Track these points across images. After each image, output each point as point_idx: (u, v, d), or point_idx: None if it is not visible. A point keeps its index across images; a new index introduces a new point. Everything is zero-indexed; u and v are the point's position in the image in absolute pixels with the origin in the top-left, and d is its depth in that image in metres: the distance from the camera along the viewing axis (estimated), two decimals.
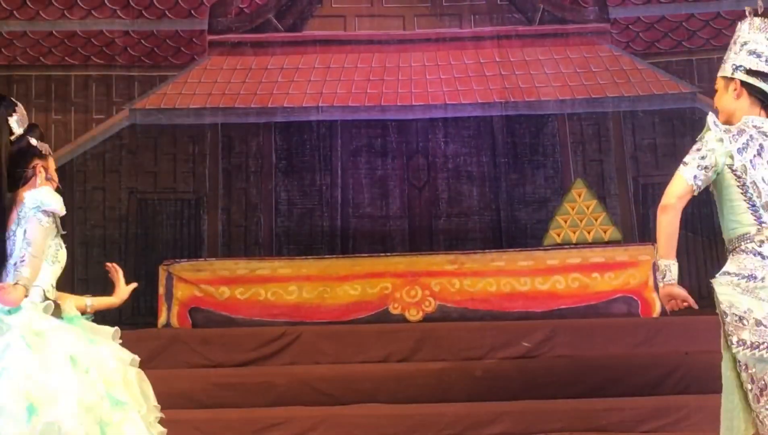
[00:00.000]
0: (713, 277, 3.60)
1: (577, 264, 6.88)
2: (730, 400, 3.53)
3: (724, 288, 3.48)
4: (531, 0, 8.37)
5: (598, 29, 8.29)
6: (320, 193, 8.11)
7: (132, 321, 5.95)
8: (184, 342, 6.39)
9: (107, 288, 4.07)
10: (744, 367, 3.44)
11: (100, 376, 3.31)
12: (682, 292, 3.57)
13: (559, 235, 7.26)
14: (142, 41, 8.23)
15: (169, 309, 6.79)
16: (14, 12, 8.14)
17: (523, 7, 8.38)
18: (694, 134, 3.73)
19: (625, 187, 8.05)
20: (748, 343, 3.39)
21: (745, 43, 3.64)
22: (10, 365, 3.21)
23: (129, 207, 7.99)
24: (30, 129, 3.66)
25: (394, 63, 8.27)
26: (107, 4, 8.20)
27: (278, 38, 8.35)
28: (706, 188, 3.61)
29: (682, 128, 7.90)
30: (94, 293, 3.95)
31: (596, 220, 7.28)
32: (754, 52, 3.62)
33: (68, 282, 3.88)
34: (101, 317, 3.80)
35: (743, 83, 3.62)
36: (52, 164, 3.71)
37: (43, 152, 3.65)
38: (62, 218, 3.64)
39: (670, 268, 3.53)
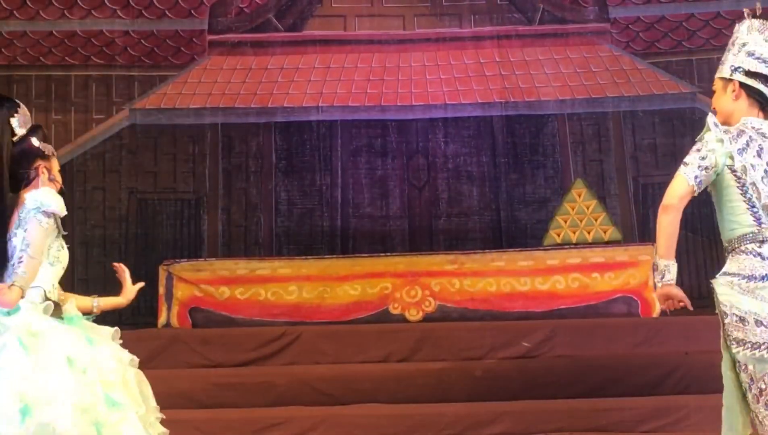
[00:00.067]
0: (713, 277, 3.60)
1: (577, 264, 6.88)
2: (729, 399, 3.53)
3: (725, 288, 3.48)
4: (531, 0, 8.37)
5: (598, 29, 8.29)
6: (320, 193, 8.11)
7: (132, 321, 5.95)
8: (184, 342, 6.38)
9: (107, 288, 4.07)
10: (743, 368, 3.44)
11: (97, 377, 3.31)
12: (679, 292, 3.57)
13: (559, 235, 7.26)
14: (142, 41, 8.24)
15: (169, 309, 6.79)
16: (14, 12, 8.14)
17: (523, 7, 8.38)
18: (694, 134, 3.73)
19: (625, 187, 8.05)
20: (749, 343, 3.39)
21: (744, 45, 3.64)
22: (4, 366, 3.21)
23: (129, 207, 8.00)
24: (33, 130, 3.66)
25: (394, 63, 8.27)
26: (107, 3, 8.20)
27: (278, 38, 8.35)
28: (705, 188, 3.61)
29: (682, 128, 7.90)
30: (94, 293, 3.96)
31: (596, 220, 7.28)
32: (753, 54, 3.62)
33: (68, 282, 3.87)
34: (101, 317, 3.80)
35: (742, 84, 3.62)
36: (55, 165, 3.71)
37: (46, 153, 3.65)
38: (62, 218, 3.64)
39: (670, 268, 3.53)
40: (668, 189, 3.54)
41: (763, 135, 3.54)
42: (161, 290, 6.85)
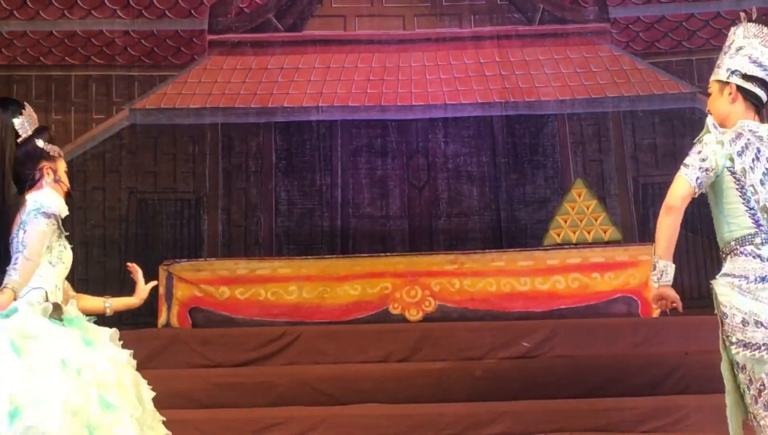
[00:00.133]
0: (713, 277, 3.62)
1: (577, 264, 6.89)
2: (728, 400, 3.55)
3: (725, 289, 3.50)
4: (531, 0, 8.37)
5: (598, 29, 8.29)
6: (320, 193, 8.11)
7: (132, 321, 5.95)
8: (184, 342, 6.38)
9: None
10: (742, 369, 3.45)
11: (93, 379, 3.31)
12: (674, 294, 3.59)
13: (559, 235, 7.26)
14: (142, 41, 8.23)
15: (169, 309, 6.79)
16: (14, 12, 8.14)
17: (523, 7, 8.38)
18: (694, 134, 3.75)
19: (625, 187, 8.05)
20: (748, 344, 3.40)
21: (741, 48, 3.66)
22: None
23: (129, 207, 7.99)
24: (38, 131, 3.67)
25: (394, 63, 8.27)
26: (107, 3, 8.20)
27: (278, 38, 8.35)
28: None
29: (682, 128, 7.90)
30: (94, 293, 3.96)
31: (596, 220, 7.28)
32: (750, 57, 3.63)
33: (69, 282, 3.88)
34: (101, 317, 3.81)
35: (739, 88, 3.64)
36: (61, 166, 3.71)
37: (51, 154, 3.66)
38: (63, 218, 3.65)
39: (668, 269, 3.55)
40: (670, 190, 3.55)
41: (760, 138, 3.55)
42: (161, 290, 6.85)
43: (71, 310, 3.59)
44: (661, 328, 6.25)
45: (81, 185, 7.87)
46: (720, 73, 3.68)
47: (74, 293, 3.81)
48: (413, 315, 6.80)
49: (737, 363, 3.46)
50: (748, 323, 3.42)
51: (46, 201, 3.55)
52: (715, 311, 3.55)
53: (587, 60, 8.22)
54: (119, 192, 8.00)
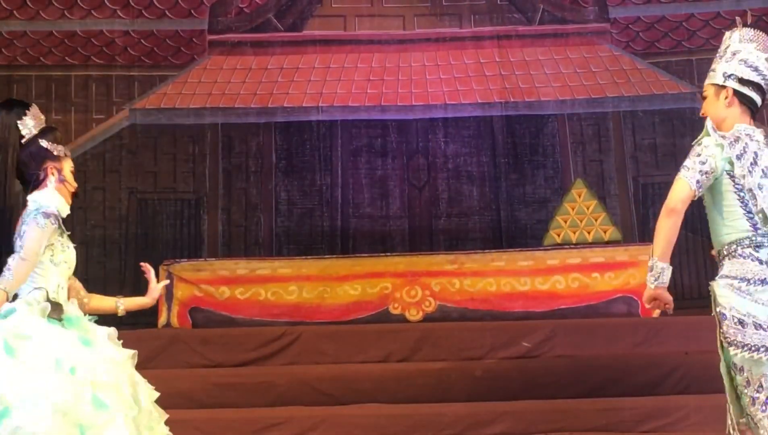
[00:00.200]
0: (713, 277, 3.64)
1: (577, 264, 6.89)
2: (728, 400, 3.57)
3: (725, 290, 3.51)
4: (531, 0, 8.37)
5: (598, 29, 8.29)
6: (320, 193, 8.11)
7: (132, 321, 5.95)
8: (184, 342, 6.39)
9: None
10: (740, 370, 3.47)
11: (87, 378, 3.31)
12: (668, 296, 3.64)
13: (559, 235, 7.26)
14: (142, 41, 8.23)
15: (169, 309, 6.79)
16: (14, 12, 8.14)
17: (523, 7, 8.38)
18: (694, 134, 3.76)
19: (625, 187, 8.04)
20: (746, 345, 3.43)
21: (736, 52, 3.69)
22: None
23: (129, 207, 7.99)
24: (43, 131, 3.68)
25: (394, 63, 8.27)
26: (107, 3, 8.20)
27: (278, 38, 8.34)
28: None
29: (682, 128, 7.89)
30: (94, 293, 3.96)
31: (596, 220, 7.28)
32: (746, 62, 3.67)
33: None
34: (101, 317, 3.81)
35: (735, 92, 3.65)
36: (67, 166, 3.72)
37: (55, 153, 3.67)
38: (64, 218, 3.66)
39: (665, 271, 3.57)
40: (671, 193, 3.57)
41: (757, 142, 3.58)
42: (162, 291, 6.83)
43: (72, 309, 3.60)
44: (661, 328, 6.25)
45: (81, 185, 7.75)
46: (716, 77, 3.71)
47: (86, 293, 3.82)
48: (413, 315, 6.80)
49: (735, 364, 3.48)
50: (746, 325, 3.44)
51: (45, 201, 3.56)
52: (714, 312, 3.57)
53: (587, 60, 8.22)
54: (119, 192, 8.00)
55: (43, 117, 3.75)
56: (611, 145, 8.15)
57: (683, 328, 6.08)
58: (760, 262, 3.50)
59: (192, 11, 8.29)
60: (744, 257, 3.52)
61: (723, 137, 3.56)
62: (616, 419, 5.49)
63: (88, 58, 8.20)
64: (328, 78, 8.21)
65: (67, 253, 3.63)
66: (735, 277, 3.51)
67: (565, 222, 7.30)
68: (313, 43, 8.34)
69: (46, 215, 3.52)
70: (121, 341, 3.67)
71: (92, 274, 7.36)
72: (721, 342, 3.52)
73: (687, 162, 3.57)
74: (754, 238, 3.53)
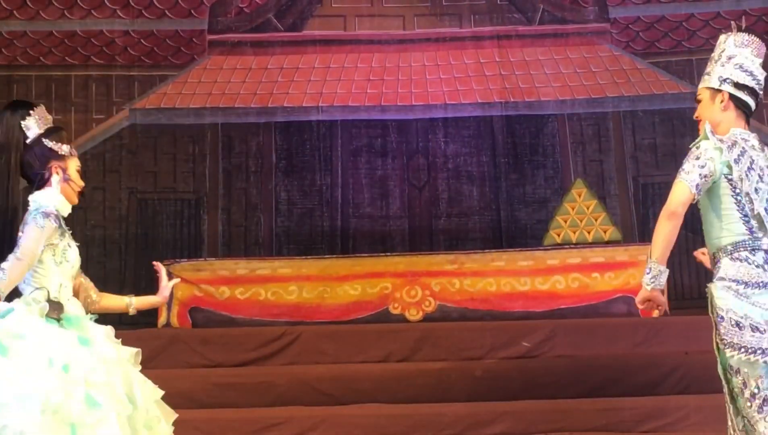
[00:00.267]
0: (712, 278, 3.65)
1: (577, 264, 6.88)
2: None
3: (723, 292, 3.54)
4: (531, 0, 8.37)
5: (598, 29, 8.29)
6: (320, 193, 8.11)
7: (132, 321, 5.95)
8: (184, 342, 6.38)
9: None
10: (736, 372, 3.49)
11: (80, 377, 3.31)
12: (663, 299, 3.67)
13: (559, 235, 7.26)
14: (142, 41, 8.23)
15: (169, 309, 6.78)
16: (14, 12, 8.14)
17: (523, 7, 8.38)
18: (695, 135, 3.78)
19: (625, 187, 8.04)
20: (743, 347, 3.45)
21: (732, 57, 3.71)
22: None
23: (129, 207, 7.99)
24: (48, 131, 3.70)
25: (394, 63, 8.27)
26: (107, 3, 8.20)
27: (278, 38, 8.35)
28: None
29: (682, 128, 7.89)
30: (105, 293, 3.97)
31: (596, 220, 7.28)
32: (741, 66, 3.69)
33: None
34: (101, 317, 3.81)
35: (730, 96, 3.67)
36: (72, 165, 3.73)
37: (60, 153, 3.69)
38: (65, 218, 3.68)
39: (662, 274, 3.59)
40: (671, 196, 3.59)
41: (752, 147, 3.62)
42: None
43: (73, 309, 3.60)
44: (661, 328, 6.25)
45: None
46: (711, 81, 3.74)
47: (97, 292, 3.83)
48: (413, 315, 6.80)
49: (731, 366, 3.51)
50: (743, 327, 3.46)
51: (44, 200, 3.57)
52: (710, 314, 3.59)
53: (587, 60, 8.22)
54: (119, 192, 8.00)
55: (50, 117, 3.77)
56: (611, 145, 8.15)
57: (683, 328, 6.07)
58: (757, 265, 3.53)
59: (192, 11, 8.29)
60: (741, 260, 3.54)
61: (721, 141, 3.58)
62: (616, 419, 5.49)
63: (88, 58, 8.21)
64: (328, 78, 8.21)
65: (69, 253, 3.64)
66: (732, 280, 3.52)
67: (565, 222, 7.30)
68: (313, 43, 8.34)
69: (46, 215, 3.53)
70: (120, 340, 3.67)
71: (92, 274, 7.25)
72: (717, 344, 3.55)
73: (686, 165, 3.58)
74: (750, 242, 3.55)
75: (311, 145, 8.17)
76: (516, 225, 8.00)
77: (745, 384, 3.47)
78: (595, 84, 8.12)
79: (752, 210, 3.55)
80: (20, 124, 3.65)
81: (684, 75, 8.08)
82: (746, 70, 3.68)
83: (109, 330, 3.63)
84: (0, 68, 8.12)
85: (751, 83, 3.69)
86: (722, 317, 3.50)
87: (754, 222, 3.56)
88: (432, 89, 8.17)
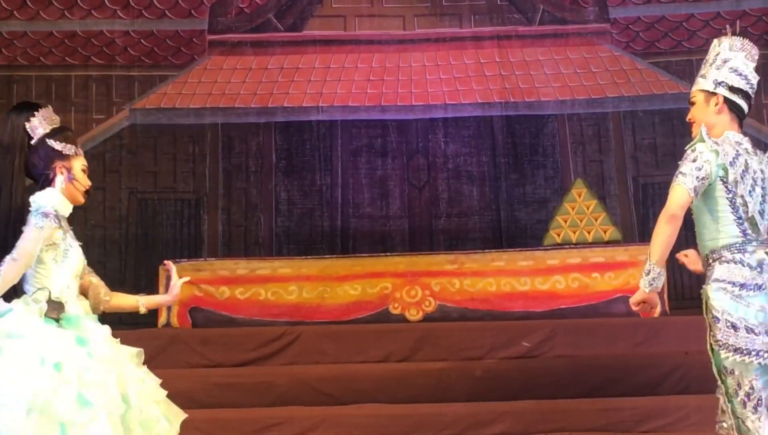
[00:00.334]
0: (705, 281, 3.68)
1: (577, 264, 6.88)
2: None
3: (719, 294, 3.57)
4: (531, 0, 8.37)
5: (598, 29, 8.29)
6: (320, 193, 8.11)
7: (132, 321, 5.95)
8: (184, 342, 6.38)
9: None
10: (730, 373, 3.52)
11: (73, 377, 3.31)
12: (657, 301, 3.72)
13: (559, 235, 7.26)
14: (142, 41, 8.24)
15: (169, 309, 6.78)
16: (14, 12, 8.14)
17: (523, 7, 8.38)
18: (691, 136, 3.79)
19: (625, 187, 8.05)
20: (738, 348, 3.48)
21: (727, 60, 3.75)
22: None
23: (129, 207, 8.00)
24: (53, 131, 3.71)
25: (394, 63, 8.27)
26: (107, 4, 8.20)
27: (278, 38, 8.35)
28: None
29: (682, 128, 7.80)
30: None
31: (596, 220, 7.28)
32: (736, 70, 3.74)
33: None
34: (102, 317, 3.81)
35: (725, 99, 3.69)
36: (77, 164, 3.75)
37: (65, 152, 3.70)
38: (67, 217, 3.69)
39: (660, 276, 3.62)
40: (670, 200, 3.62)
41: (746, 150, 3.66)
42: (161, 290, 6.81)
43: (73, 308, 3.60)
44: (661, 328, 6.25)
45: None
46: (706, 84, 3.76)
47: (108, 291, 3.83)
48: (413, 315, 6.80)
49: (725, 367, 3.54)
50: (738, 328, 3.50)
51: (42, 201, 3.58)
52: (705, 315, 3.61)
53: (587, 60, 8.22)
54: (119, 192, 8.00)
55: (56, 117, 3.79)
56: (611, 145, 8.15)
57: (683, 328, 6.07)
58: (751, 267, 3.56)
59: (192, 11, 8.29)
60: (735, 262, 3.57)
61: (716, 143, 3.60)
62: (616, 419, 5.49)
63: (88, 58, 8.21)
64: (328, 78, 8.21)
65: (71, 252, 3.65)
66: (728, 281, 3.56)
67: (565, 222, 7.30)
68: (313, 43, 8.34)
69: (45, 215, 3.54)
70: (118, 339, 3.67)
71: None
72: (711, 345, 3.57)
73: (683, 168, 3.61)
74: (743, 244, 3.59)
75: (311, 145, 8.17)
76: (516, 225, 8.00)
77: (739, 385, 3.51)
78: (595, 84, 8.12)
79: (746, 212, 3.59)
80: (24, 125, 3.67)
81: (684, 75, 8.08)
82: (741, 74, 3.72)
83: (105, 330, 3.63)
84: (0, 68, 8.12)
85: (745, 87, 3.73)
86: (717, 319, 3.53)
87: (747, 224, 3.60)
88: (432, 89, 8.17)
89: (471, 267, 6.91)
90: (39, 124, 3.69)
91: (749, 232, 3.60)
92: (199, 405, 5.76)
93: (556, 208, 7.54)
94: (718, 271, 3.59)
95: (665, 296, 6.55)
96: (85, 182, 3.77)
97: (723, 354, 3.50)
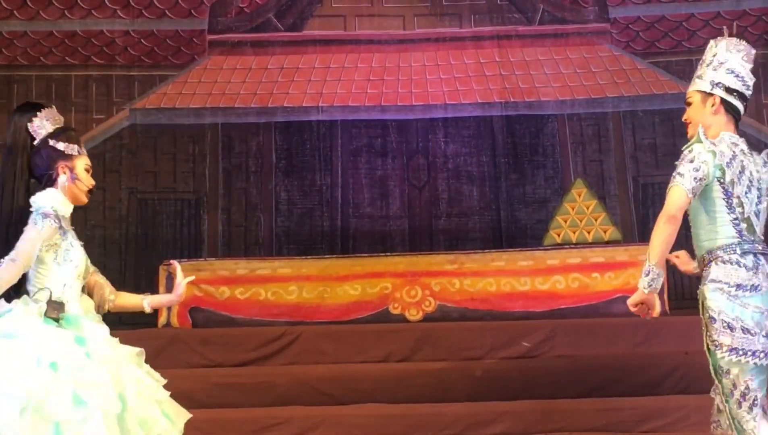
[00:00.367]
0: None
1: (577, 264, 6.88)
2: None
3: (716, 294, 3.58)
4: (531, 0, 8.37)
5: (598, 29, 8.30)
6: (320, 193, 8.11)
7: (132, 321, 5.96)
8: (184, 342, 6.38)
9: None
10: (726, 373, 3.54)
11: (70, 376, 3.32)
12: (654, 302, 3.78)
13: (559, 235, 7.26)
14: (142, 41, 8.24)
15: (169, 309, 6.77)
16: (14, 12, 8.14)
17: (523, 7, 8.38)
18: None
19: (625, 187, 8.05)
20: (734, 349, 3.50)
21: (723, 62, 3.76)
22: None
23: (129, 207, 8.00)
24: (56, 131, 3.71)
25: (394, 63, 8.27)
26: (107, 3, 8.20)
27: (278, 38, 8.35)
28: None
29: (682, 128, 7.76)
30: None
31: (596, 220, 7.28)
32: (732, 72, 3.75)
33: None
34: (101, 317, 3.81)
35: (722, 100, 3.70)
36: (80, 164, 3.76)
37: (67, 152, 3.70)
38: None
39: (659, 278, 3.62)
40: (668, 201, 3.62)
41: (742, 151, 3.67)
42: (161, 290, 6.82)
43: (74, 308, 3.60)
44: (661, 328, 6.24)
45: None
46: (703, 85, 3.78)
47: (113, 290, 3.84)
48: (413, 315, 6.80)
49: (720, 367, 3.56)
50: (735, 329, 3.52)
51: (41, 201, 3.58)
52: (701, 316, 3.62)
53: (587, 60, 8.22)
54: (119, 192, 8.00)
55: (60, 117, 3.80)
56: (611, 145, 8.15)
57: (683, 328, 6.06)
58: (747, 268, 3.57)
59: (192, 11, 8.30)
60: (731, 263, 3.59)
61: (713, 144, 3.62)
62: (616, 419, 5.49)
63: (88, 58, 8.21)
64: (328, 78, 8.21)
65: (72, 253, 3.65)
66: (724, 282, 3.57)
67: (565, 222, 7.30)
68: (313, 43, 8.34)
69: (45, 215, 3.54)
70: (117, 339, 3.67)
71: None
72: (708, 345, 3.58)
73: (680, 169, 3.62)
74: (739, 245, 3.60)
75: (311, 145, 8.18)
76: (516, 225, 8.00)
77: (735, 385, 3.53)
78: (595, 84, 8.12)
79: (742, 213, 3.61)
80: (27, 126, 3.68)
81: (684, 75, 8.07)
82: (737, 75, 3.74)
83: (105, 329, 3.63)
84: (0, 68, 8.12)
85: (741, 88, 3.74)
86: (714, 319, 3.55)
87: (743, 225, 3.62)
88: (432, 89, 8.17)
89: (471, 267, 6.91)
90: (41, 125, 3.70)
91: (745, 233, 3.61)
92: (199, 405, 5.75)
93: (556, 208, 7.53)
94: (715, 271, 3.60)
95: (665, 296, 6.55)
96: (88, 182, 3.77)
97: (719, 354, 3.52)
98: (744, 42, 3.79)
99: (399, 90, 8.19)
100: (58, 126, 3.75)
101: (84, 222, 7.77)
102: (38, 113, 3.71)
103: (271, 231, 8.02)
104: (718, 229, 3.62)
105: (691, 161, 3.61)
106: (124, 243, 7.89)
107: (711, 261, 3.63)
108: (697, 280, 3.78)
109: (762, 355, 3.50)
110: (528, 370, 6.01)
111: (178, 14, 8.28)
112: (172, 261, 4.14)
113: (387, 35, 8.35)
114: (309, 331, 6.43)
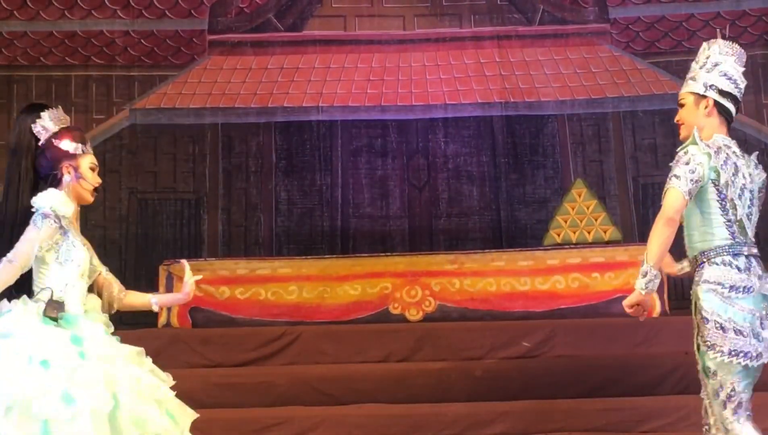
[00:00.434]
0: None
1: (577, 264, 6.88)
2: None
3: (709, 295, 3.60)
4: (531, 0, 8.37)
5: (598, 29, 8.30)
6: (320, 193, 8.12)
7: (132, 321, 5.96)
8: (184, 342, 6.38)
9: None
10: (713, 374, 3.55)
11: (62, 374, 3.32)
12: (650, 303, 3.74)
13: (559, 235, 7.26)
14: (142, 41, 8.24)
15: (169, 309, 6.78)
16: (14, 12, 8.14)
17: (523, 7, 8.38)
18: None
19: (625, 187, 8.05)
20: (725, 350, 3.51)
21: (717, 64, 3.81)
22: None
23: (129, 207, 8.00)
24: (59, 131, 3.71)
25: (394, 63, 8.27)
26: (107, 4, 8.20)
27: (278, 38, 8.35)
28: None
29: None
30: (93, 293, 3.97)
31: (596, 220, 7.28)
32: (725, 74, 3.79)
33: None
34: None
35: (715, 102, 3.72)
36: (85, 163, 3.76)
37: (71, 152, 3.71)
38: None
39: (656, 279, 3.62)
40: (666, 203, 3.64)
41: (735, 153, 3.70)
42: (161, 290, 6.83)
43: (74, 307, 3.60)
44: (661, 328, 6.24)
45: None
46: (696, 86, 3.82)
47: (121, 289, 3.85)
48: (413, 315, 6.80)
49: (708, 368, 3.58)
50: (727, 330, 3.54)
51: (41, 202, 3.59)
52: (693, 316, 3.63)
53: (587, 60, 8.22)
54: (119, 192, 8.00)
55: (65, 117, 3.80)
56: (611, 145, 8.15)
57: (683, 328, 5.98)
58: (739, 269, 3.59)
59: (192, 11, 8.30)
60: (724, 265, 3.61)
61: (708, 146, 3.63)
62: (616, 419, 5.49)
63: (88, 59, 8.21)
64: (328, 78, 8.22)
65: (74, 252, 3.65)
66: (717, 283, 3.59)
67: (565, 222, 7.30)
68: (313, 43, 8.34)
69: (44, 216, 3.55)
70: (117, 338, 3.68)
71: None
72: (699, 346, 3.59)
73: (676, 171, 3.63)
74: (732, 247, 3.62)
75: (311, 145, 8.18)
76: (516, 225, 8.00)
77: (721, 386, 3.55)
78: (595, 84, 8.12)
79: (735, 215, 3.62)
80: (31, 127, 3.69)
81: (684, 75, 8.03)
82: (730, 78, 3.77)
83: (103, 328, 3.64)
84: (0, 68, 8.12)
85: (734, 91, 3.78)
86: (707, 319, 3.56)
87: (736, 227, 3.63)
88: (432, 89, 8.17)
89: (471, 267, 6.91)
90: (46, 126, 3.70)
91: (738, 235, 3.63)
92: (199, 405, 5.71)
93: (556, 208, 7.53)
94: (708, 272, 3.61)
95: (665, 296, 6.55)
96: (93, 180, 3.78)
97: (711, 355, 3.54)
98: (737, 45, 3.82)
99: (399, 90, 8.19)
100: (63, 126, 3.75)
101: (84, 222, 7.75)
102: (42, 114, 3.72)
103: (271, 231, 8.02)
104: (713, 231, 3.64)
105: (687, 163, 3.62)
106: (124, 243, 7.90)
107: (704, 262, 3.64)
108: None
109: (753, 356, 3.51)
110: (528, 370, 6.01)
111: (178, 14, 8.28)
112: (180, 260, 4.14)
113: (387, 35, 8.35)
114: (309, 331, 6.43)
